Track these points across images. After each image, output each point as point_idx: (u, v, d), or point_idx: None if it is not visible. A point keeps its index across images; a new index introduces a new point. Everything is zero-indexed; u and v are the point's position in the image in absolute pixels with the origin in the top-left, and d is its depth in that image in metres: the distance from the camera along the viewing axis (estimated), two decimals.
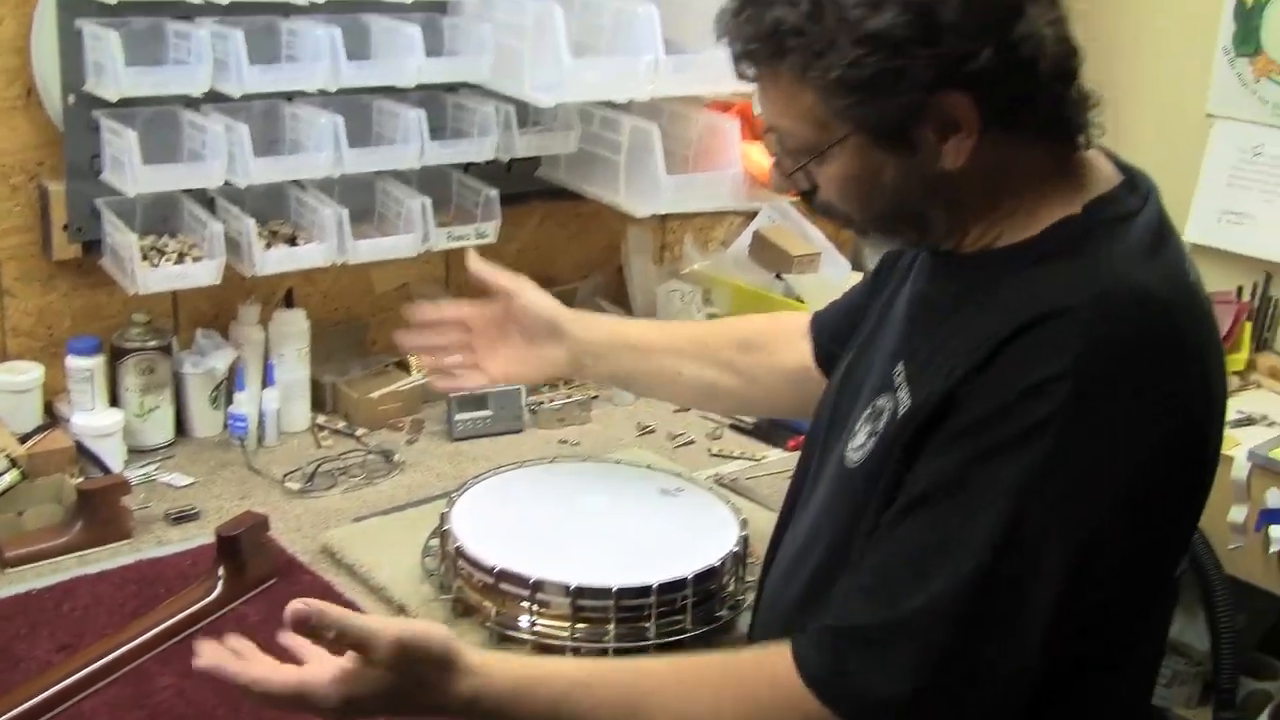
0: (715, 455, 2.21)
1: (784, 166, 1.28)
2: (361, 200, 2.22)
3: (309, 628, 1.14)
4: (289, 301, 2.19)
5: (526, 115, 2.26)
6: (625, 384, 2.07)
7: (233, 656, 1.18)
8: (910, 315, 1.35)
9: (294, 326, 2.19)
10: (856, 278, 2.62)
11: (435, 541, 1.74)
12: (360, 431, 2.21)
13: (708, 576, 1.61)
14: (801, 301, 2.57)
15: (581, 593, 1.56)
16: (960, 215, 1.25)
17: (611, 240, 2.67)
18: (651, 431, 2.29)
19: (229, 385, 2.14)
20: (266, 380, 2.14)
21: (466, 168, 2.30)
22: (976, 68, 1.14)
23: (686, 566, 1.60)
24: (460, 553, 1.64)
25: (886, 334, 1.39)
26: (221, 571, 1.70)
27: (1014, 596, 1.12)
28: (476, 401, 2.22)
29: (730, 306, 2.64)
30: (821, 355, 1.68)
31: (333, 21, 2.06)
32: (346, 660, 1.17)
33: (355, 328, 2.37)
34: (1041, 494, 1.11)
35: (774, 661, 1.20)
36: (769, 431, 2.28)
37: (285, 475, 2.03)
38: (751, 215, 2.76)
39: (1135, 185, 1.27)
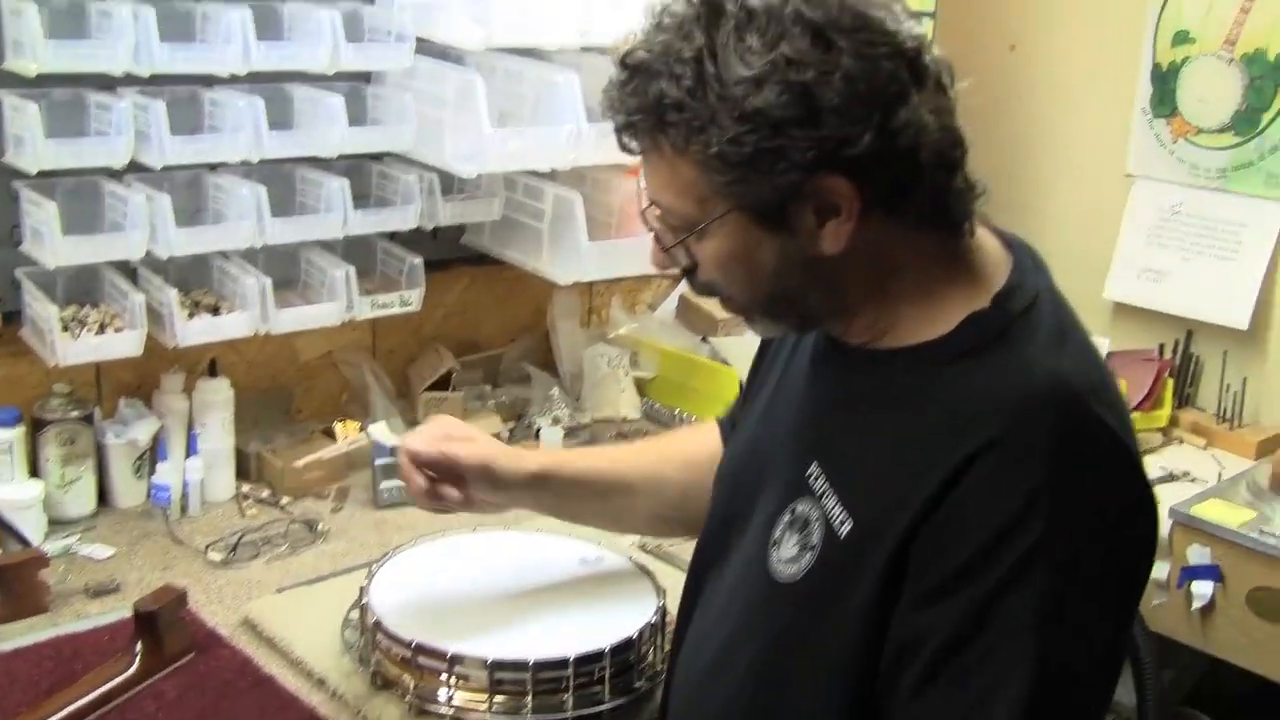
0: None
1: (664, 241, 1.26)
2: (286, 269, 2.23)
3: None
4: (213, 371, 2.19)
5: (451, 183, 2.28)
6: (580, 522, 2.02)
7: None
8: (815, 409, 1.32)
9: (218, 395, 2.18)
10: None
11: (355, 614, 1.74)
12: (284, 500, 2.20)
13: (625, 648, 1.61)
14: (727, 364, 2.60)
15: (499, 666, 1.56)
16: (842, 301, 1.24)
17: (538, 304, 2.68)
18: None
19: (152, 455, 2.13)
20: (190, 450, 2.13)
21: (392, 235, 2.31)
22: (856, 152, 1.13)
23: (604, 638, 1.60)
24: (379, 626, 1.64)
25: (783, 418, 1.37)
26: (139, 647, 1.68)
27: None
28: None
29: (657, 369, 2.66)
30: None
31: (255, 92, 2.08)
32: None
33: (280, 395, 2.37)
34: (1060, 618, 1.12)
35: None
36: None
37: (208, 546, 2.02)
38: (679, 278, 2.77)
39: (1024, 262, 1.27)
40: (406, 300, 2.25)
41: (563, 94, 2.15)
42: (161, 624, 1.69)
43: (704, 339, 2.66)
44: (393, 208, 2.21)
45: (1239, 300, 2.73)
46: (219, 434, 2.19)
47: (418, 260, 2.27)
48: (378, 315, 2.24)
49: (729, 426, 1.63)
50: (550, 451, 2.08)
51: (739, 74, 1.13)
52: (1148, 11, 2.83)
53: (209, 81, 2.10)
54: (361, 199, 2.22)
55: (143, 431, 2.12)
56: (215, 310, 2.11)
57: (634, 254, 2.31)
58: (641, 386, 2.65)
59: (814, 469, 1.27)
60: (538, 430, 2.48)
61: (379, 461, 2.20)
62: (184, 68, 1.98)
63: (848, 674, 1.20)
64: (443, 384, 2.45)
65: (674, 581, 1.79)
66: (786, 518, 1.29)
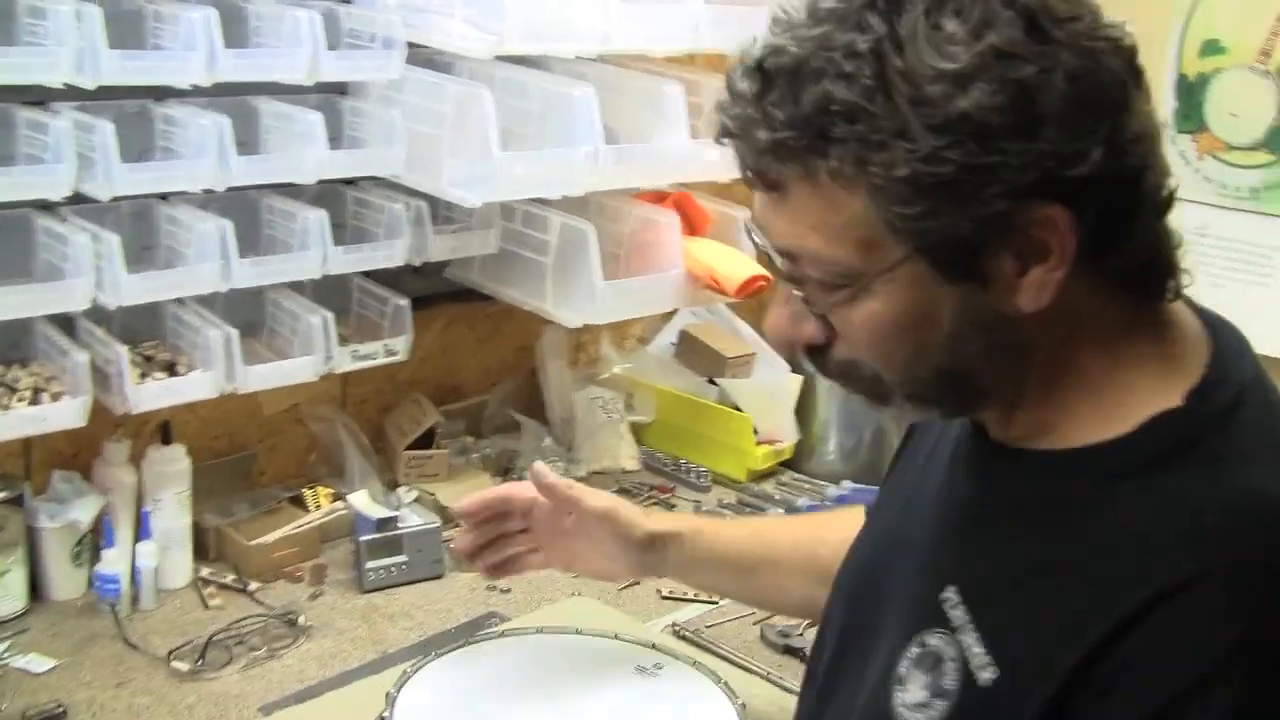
0: (666, 598, 1.93)
1: (815, 304, 0.98)
2: (247, 312, 1.90)
3: None
4: (166, 437, 1.85)
5: (438, 211, 1.97)
6: (716, 593, 1.81)
7: None
8: (955, 520, 1.07)
9: (172, 466, 1.85)
10: (796, 380, 2.41)
11: None
12: (254, 586, 1.87)
13: None
14: (739, 409, 2.32)
15: None
16: (1019, 380, 0.98)
17: (522, 341, 2.38)
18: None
19: (94, 539, 1.79)
20: (141, 532, 1.79)
21: (368, 272, 1.99)
22: (1080, 173, 0.88)
23: None
24: None
25: (918, 522, 1.11)
26: None
27: None
28: (389, 545, 1.90)
29: (657, 413, 2.38)
30: None
31: (216, 107, 1.75)
32: None
33: (240, 460, 2.04)
34: None
35: None
36: None
37: (171, 652, 1.68)
38: (670, 311, 2.49)
39: (1227, 346, 1.01)
40: (392, 349, 1.94)
41: (578, 110, 1.85)
42: None
43: (710, 380, 2.38)
44: (376, 242, 1.89)
45: (1275, 328, 2.53)
46: (174, 511, 1.85)
47: (403, 301, 1.96)
48: (358, 368, 1.92)
49: None
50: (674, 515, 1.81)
51: (937, 67, 0.86)
52: (1172, 20, 2.62)
53: (159, 95, 1.76)
54: (337, 230, 1.89)
55: (83, 512, 1.78)
56: (171, 368, 1.78)
57: (651, 292, 2.03)
58: (638, 433, 2.37)
59: (951, 594, 1.01)
60: None
61: (364, 538, 1.89)
62: (138, 78, 1.64)
63: None
64: (425, 440, 2.14)
65: (747, 687, 1.53)
66: (915, 651, 1.03)
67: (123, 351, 1.69)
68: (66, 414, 1.66)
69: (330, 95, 1.92)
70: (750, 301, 2.17)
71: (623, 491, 2.22)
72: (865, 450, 2.41)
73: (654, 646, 1.59)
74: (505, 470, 2.23)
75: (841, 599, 1.21)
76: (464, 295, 2.19)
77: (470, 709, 1.46)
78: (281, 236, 1.85)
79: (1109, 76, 0.90)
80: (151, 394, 1.71)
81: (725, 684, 1.51)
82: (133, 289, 1.66)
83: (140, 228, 1.79)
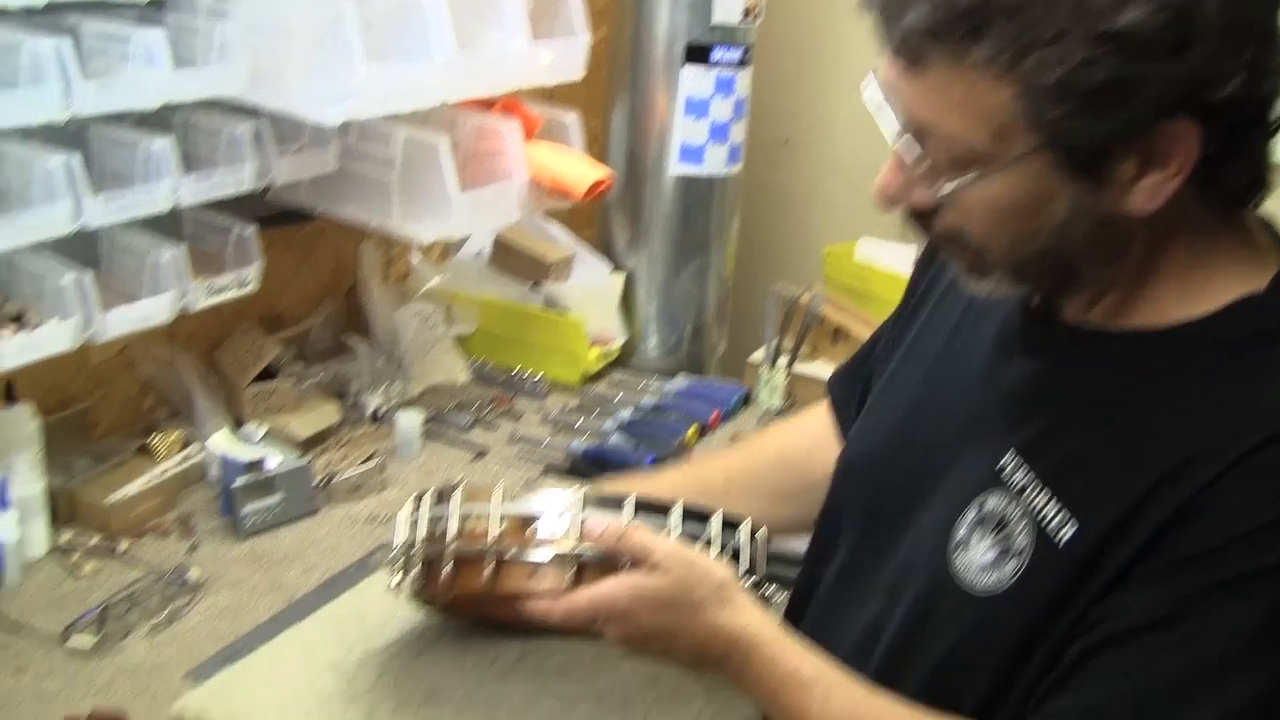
0: None
1: (932, 176, 1.01)
2: (79, 254, 1.73)
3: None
4: (10, 396, 1.68)
5: (280, 132, 1.85)
6: None
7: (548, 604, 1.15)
8: (1012, 393, 1.12)
9: (21, 429, 1.68)
10: (618, 279, 2.41)
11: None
12: (122, 546, 1.74)
13: None
14: (567, 312, 2.31)
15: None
16: (1115, 270, 1.05)
17: (337, 262, 2.28)
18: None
19: None
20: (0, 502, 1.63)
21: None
22: (1222, 95, 0.93)
23: None
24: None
25: (958, 398, 1.17)
26: None
27: None
28: (262, 487, 1.81)
29: (480, 323, 2.33)
30: None
31: (36, 27, 1.57)
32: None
33: (74, 415, 1.87)
34: (1258, 650, 0.96)
35: None
36: (593, 471, 2.02)
37: (66, 629, 1.55)
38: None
39: None
40: (244, 280, 1.82)
41: (429, 15, 1.76)
42: None
43: (534, 285, 2.35)
44: (222, 169, 1.76)
45: None
46: (28, 478, 1.69)
47: (249, 229, 1.83)
48: (213, 303, 1.80)
49: (848, 402, 1.39)
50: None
51: None
52: None
53: None
54: None
55: None
56: (18, 319, 1.61)
57: (504, 202, 1.99)
58: (464, 345, 2.32)
59: (1010, 460, 1.08)
60: (375, 412, 2.11)
61: (237, 483, 1.78)
62: None
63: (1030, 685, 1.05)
64: (265, 373, 2.03)
65: None
66: (972, 515, 1.10)
67: None
68: None
69: (146, 11, 1.75)
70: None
71: (460, 406, 2.18)
72: (686, 344, 2.46)
73: None
74: (340, 395, 2.15)
75: (858, 483, 1.26)
76: (280, 219, 2.07)
77: None
78: (121, 169, 1.69)
79: (1259, 7, 0.95)
80: (12, 350, 1.55)
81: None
82: None
83: None
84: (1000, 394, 1.13)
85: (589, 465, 2.03)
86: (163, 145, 1.67)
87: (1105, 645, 0.99)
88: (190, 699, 1.42)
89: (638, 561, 1.13)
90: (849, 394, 1.39)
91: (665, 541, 1.14)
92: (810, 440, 1.43)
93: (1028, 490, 1.06)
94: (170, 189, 1.68)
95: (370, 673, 1.44)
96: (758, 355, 2.32)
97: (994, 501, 1.08)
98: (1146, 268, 1.04)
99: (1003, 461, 1.09)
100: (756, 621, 1.14)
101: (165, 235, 1.77)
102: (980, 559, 1.08)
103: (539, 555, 1.19)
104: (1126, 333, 1.06)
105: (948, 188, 1.00)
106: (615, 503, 1.21)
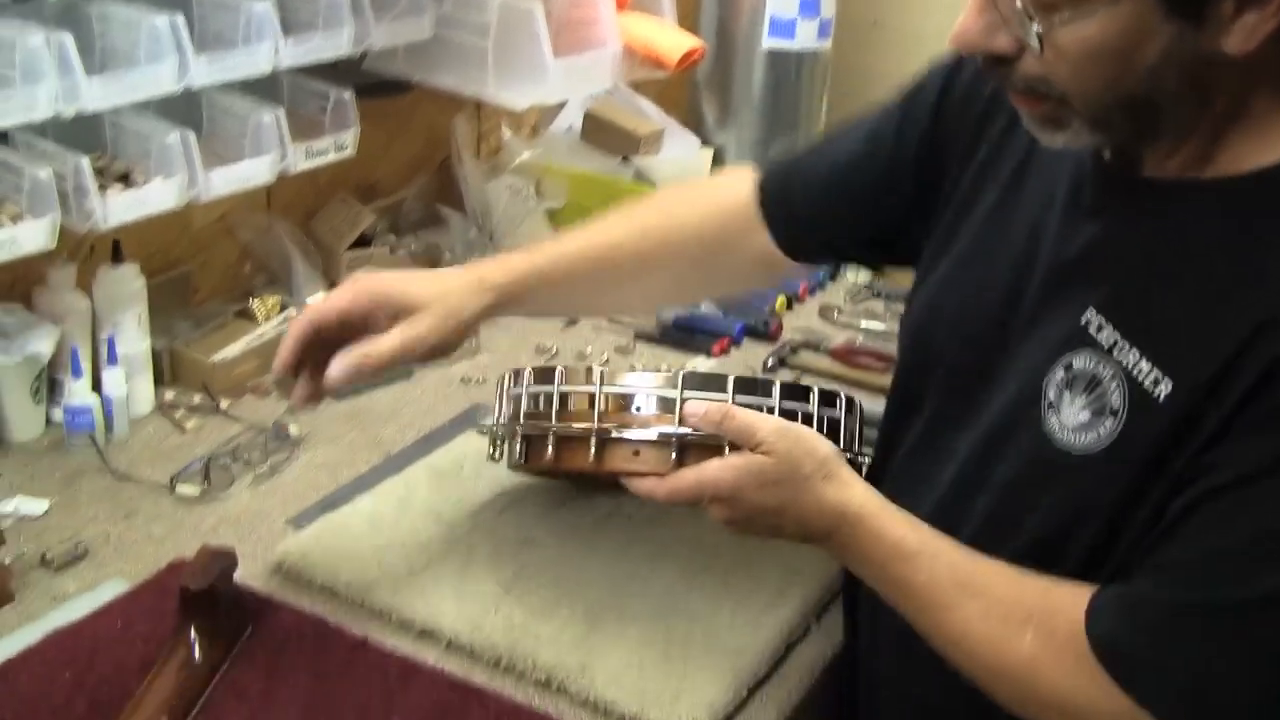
0: None
1: (1023, 14, 0.98)
2: (179, 117, 1.76)
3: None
4: (117, 255, 1.72)
5: None
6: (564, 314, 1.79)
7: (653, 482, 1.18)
8: (1087, 248, 1.11)
9: (127, 287, 1.72)
10: (707, 153, 2.41)
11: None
12: (225, 404, 1.79)
13: None
14: (657, 186, 2.31)
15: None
16: (1196, 119, 1.02)
17: (429, 135, 2.29)
18: (555, 355, 1.99)
19: (50, 373, 1.67)
20: (109, 358, 1.68)
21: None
22: None
23: None
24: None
25: (1026, 257, 1.16)
26: (193, 635, 1.30)
27: None
28: None
29: (570, 197, 2.34)
30: (793, 245, 1.45)
31: None
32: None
33: (177, 278, 1.91)
34: None
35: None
36: (682, 339, 2.03)
37: (173, 478, 1.60)
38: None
39: None
40: (342, 144, 1.84)
41: None
42: (220, 601, 1.32)
43: (624, 159, 2.35)
44: (322, 33, 1.77)
45: None
46: (135, 335, 1.74)
47: (346, 94, 1.85)
48: (309, 167, 1.82)
49: (781, 203, 1.44)
50: (506, 260, 1.47)
51: None
52: None
53: None
54: None
55: (40, 343, 1.64)
56: (125, 179, 1.64)
57: (599, 69, 1.98)
58: (551, 219, 2.33)
59: (1092, 317, 1.08)
60: None
61: None
62: None
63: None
64: (360, 240, 2.06)
65: None
66: (1060, 375, 1.09)
67: (85, 162, 1.55)
68: (35, 235, 1.52)
69: None
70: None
71: None
72: None
73: None
74: (433, 264, 2.17)
75: (931, 350, 1.26)
76: (371, 91, 2.08)
77: None
78: (224, 31, 1.71)
79: None
80: (121, 206, 1.58)
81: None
82: (95, 92, 1.51)
83: (72, 29, 1.62)
84: (1075, 252, 1.12)
85: (679, 332, 2.04)
86: (264, 7, 1.68)
87: (1208, 497, 1.00)
88: (294, 542, 1.48)
89: (742, 442, 1.14)
90: (781, 198, 1.43)
91: (768, 420, 1.16)
92: (725, 220, 1.46)
93: (1117, 347, 1.06)
94: (271, 50, 1.69)
95: (467, 520, 1.49)
96: None
97: (1081, 361, 1.08)
98: (1229, 118, 1.02)
99: (1086, 318, 1.08)
100: (861, 494, 1.16)
101: (265, 99, 1.79)
102: (1075, 419, 1.08)
103: (643, 435, 1.21)
104: (1209, 181, 1.04)
105: (1038, 29, 0.98)
106: (714, 381, 1.23)
